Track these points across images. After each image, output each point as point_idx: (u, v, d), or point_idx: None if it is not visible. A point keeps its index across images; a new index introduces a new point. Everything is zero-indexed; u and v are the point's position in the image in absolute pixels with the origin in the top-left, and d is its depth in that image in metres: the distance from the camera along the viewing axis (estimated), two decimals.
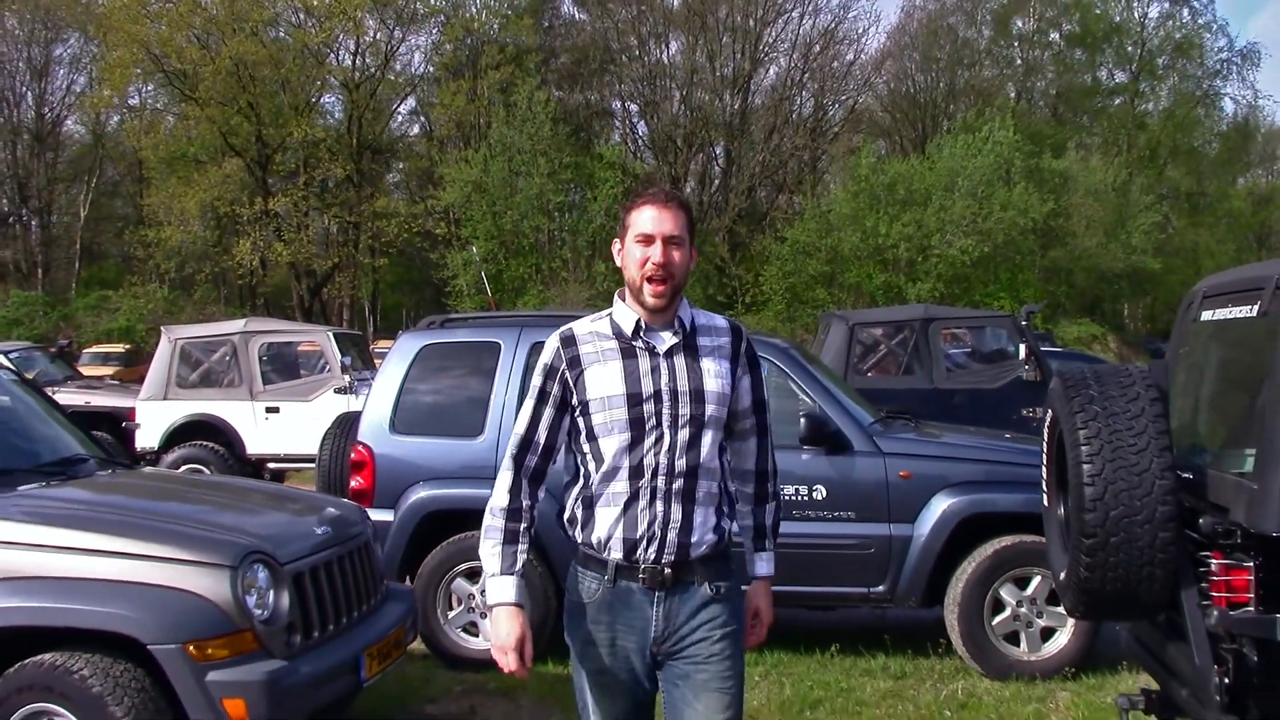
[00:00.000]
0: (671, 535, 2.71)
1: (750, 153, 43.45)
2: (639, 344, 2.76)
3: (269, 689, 3.77)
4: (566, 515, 2.82)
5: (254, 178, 40.79)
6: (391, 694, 5.51)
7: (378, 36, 42.83)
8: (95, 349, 31.59)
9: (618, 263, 2.80)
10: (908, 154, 43.18)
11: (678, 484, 2.71)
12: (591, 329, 2.81)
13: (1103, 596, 3.58)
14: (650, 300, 2.72)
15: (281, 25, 42.40)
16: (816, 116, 45.60)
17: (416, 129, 49.02)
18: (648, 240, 2.72)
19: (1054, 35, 49.91)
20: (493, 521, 2.76)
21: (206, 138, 40.93)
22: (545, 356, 2.81)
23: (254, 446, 11.23)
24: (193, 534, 4.06)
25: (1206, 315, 4.03)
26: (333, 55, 42.99)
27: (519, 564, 2.73)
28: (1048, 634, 5.84)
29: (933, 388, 10.55)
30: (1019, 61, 50.11)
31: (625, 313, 2.79)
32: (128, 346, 33.93)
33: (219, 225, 41.89)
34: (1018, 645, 5.84)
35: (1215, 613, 3.23)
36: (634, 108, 47.34)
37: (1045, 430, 4.04)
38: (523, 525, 2.76)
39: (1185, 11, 48.53)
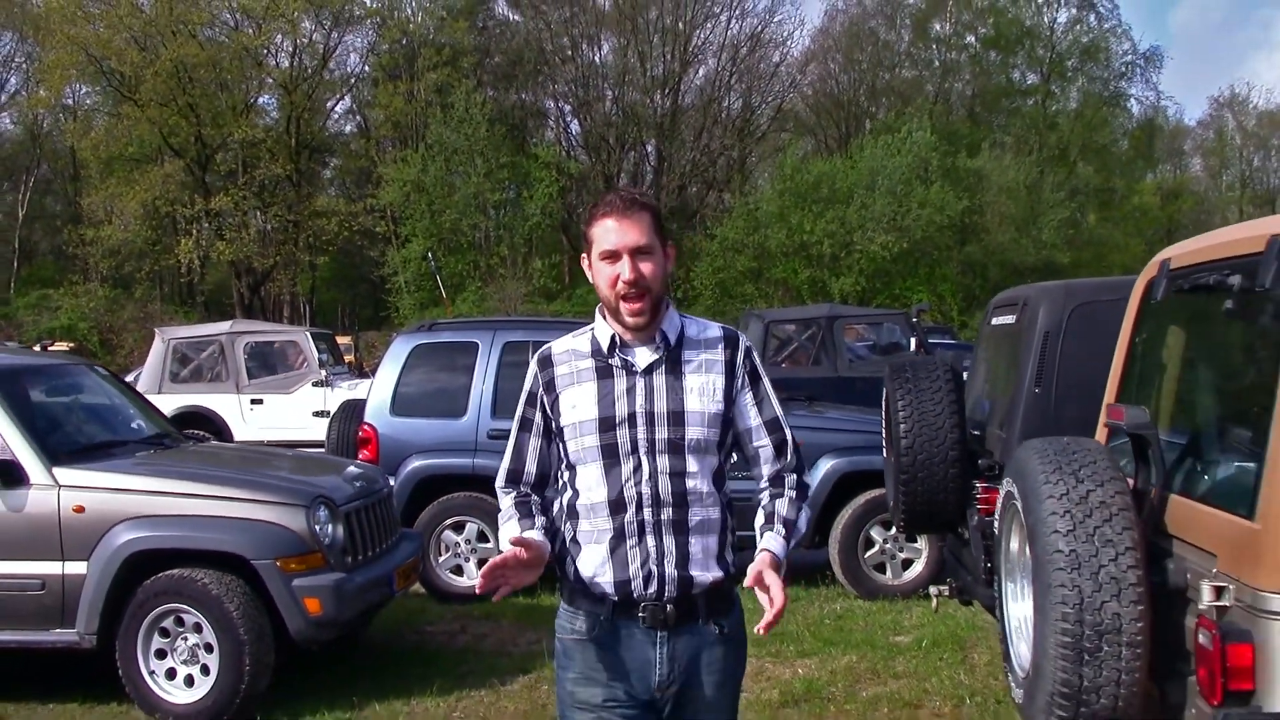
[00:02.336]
0: (669, 569, 2.48)
1: (680, 151, 44.88)
2: (615, 362, 2.54)
3: (335, 591, 5.33)
4: (555, 549, 2.61)
5: (194, 177, 41.47)
6: (399, 619, 7.07)
7: (314, 37, 43.74)
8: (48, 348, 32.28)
9: (590, 279, 2.58)
10: (832, 152, 44.82)
11: (666, 514, 2.48)
12: (570, 346, 2.61)
13: (915, 515, 5.26)
14: (630, 320, 2.49)
15: (219, 27, 43.03)
16: (744, 116, 46.97)
17: (352, 127, 49.77)
18: (613, 257, 2.48)
19: (970, 38, 51.92)
20: (503, 516, 2.64)
21: (146, 138, 41.34)
22: (526, 381, 2.65)
23: (240, 434, 12.65)
24: (274, 483, 5.63)
25: (994, 320, 5.74)
26: (271, 56, 43.78)
27: (538, 524, 2.58)
28: (907, 564, 7.57)
29: (837, 376, 12.25)
30: (936, 64, 52.07)
31: (604, 329, 2.57)
32: (71, 345, 34.62)
33: (159, 224, 42.32)
34: (884, 573, 7.57)
35: (978, 518, 4.90)
36: (567, 107, 48.53)
37: (883, 405, 5.71)
38: (535, 504, 2.62)
39: (1092, 16, 50.84)
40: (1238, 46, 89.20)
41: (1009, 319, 5.37)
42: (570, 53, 46.83)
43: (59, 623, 5.32)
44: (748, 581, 2.44)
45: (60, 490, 5.33)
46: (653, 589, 2.48)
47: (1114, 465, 2.71)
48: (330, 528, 5.49)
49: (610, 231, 2.49)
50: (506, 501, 2.62)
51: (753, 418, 2.59)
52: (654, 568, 2.48)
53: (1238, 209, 62.04)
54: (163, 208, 39.95)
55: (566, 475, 2.59)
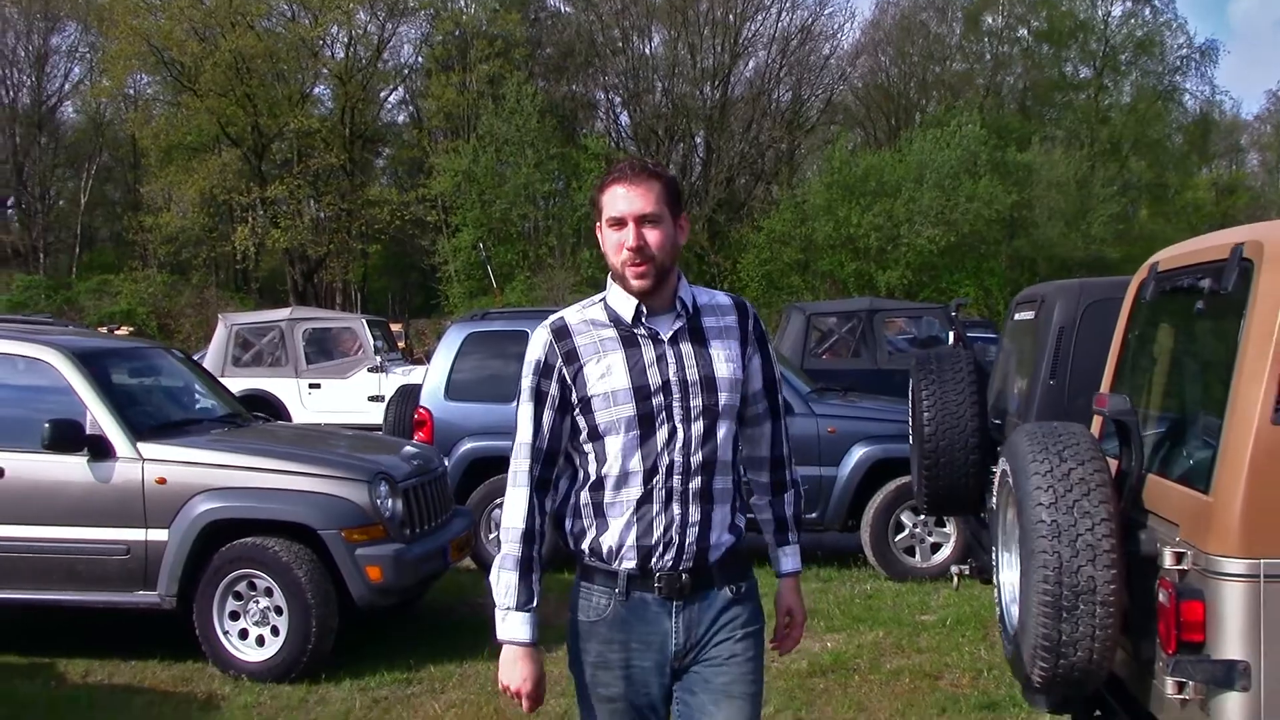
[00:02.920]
0: (690, 538, 2.49)
1: (729, 143, 44.97)
2: (640, 331, 2.52)
3: (395, 560, 5.75)
4: (568, 524, 2.59)
5: (250, 166, 42.29)
6: (453, 591, 7.49)
7: (369, 29, 44.41)
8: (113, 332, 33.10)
9: (602, 248, 2.57)
10: (881, 145, 44.84)
11: (694, 483, 2.49)
12: (585, 317, 2.56)
13: (937, 498, 5.60)
14: (635, 284, 2.48)
15: (276, 18, 43.78)
16: (794, 108, 47.04)
17: (404, 117, 50.39)
18: (619, 223, 2.47)
19: (1022, 31, 51.73)
20: (509, 548, 2.53)
21: (204, 127, 42.13)
22: (535, 352, 2.56)
23: (299, 417, 13.16)
24: (339, 460, 6.07)
25: (1017, 316, 6.05)
26: (326, 47, 44.48)
27: (535, 598, 2.52)
28: (936, 548, 7.89)
29: (876, 368, 12.57)
30: (988, 57, 51.86)
31: (622, 298, 2.54)
32: (131, 329, 35.44)
33: (216, 212, 43.14)
34: (913, 556, 7.89)
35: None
36: (617, 99, 48.87)
37: (910, 395, 6.03)
38: (536, 549, 2.53)
39: (1147, 10, 50.47)
40: None
41: (1029, 315, 5.68)
42: (621, 44, 47.11)
43: (141, 585, 5.78)
44: (784, 617, 2.71)
45: (144, 463, 5.79)
46: (670, 557, 2.49)
47: (1095, 447, 3.04)
48: (390, 502, 5.90)
49: (618, 198, 2.48)
50: (515, 529, 2.52)
51: (757, 382, 2.64)
52: (675, 535, 2.49)
53: None
54: (220, 196, 40.79)
55: (589, 447, 2.53)
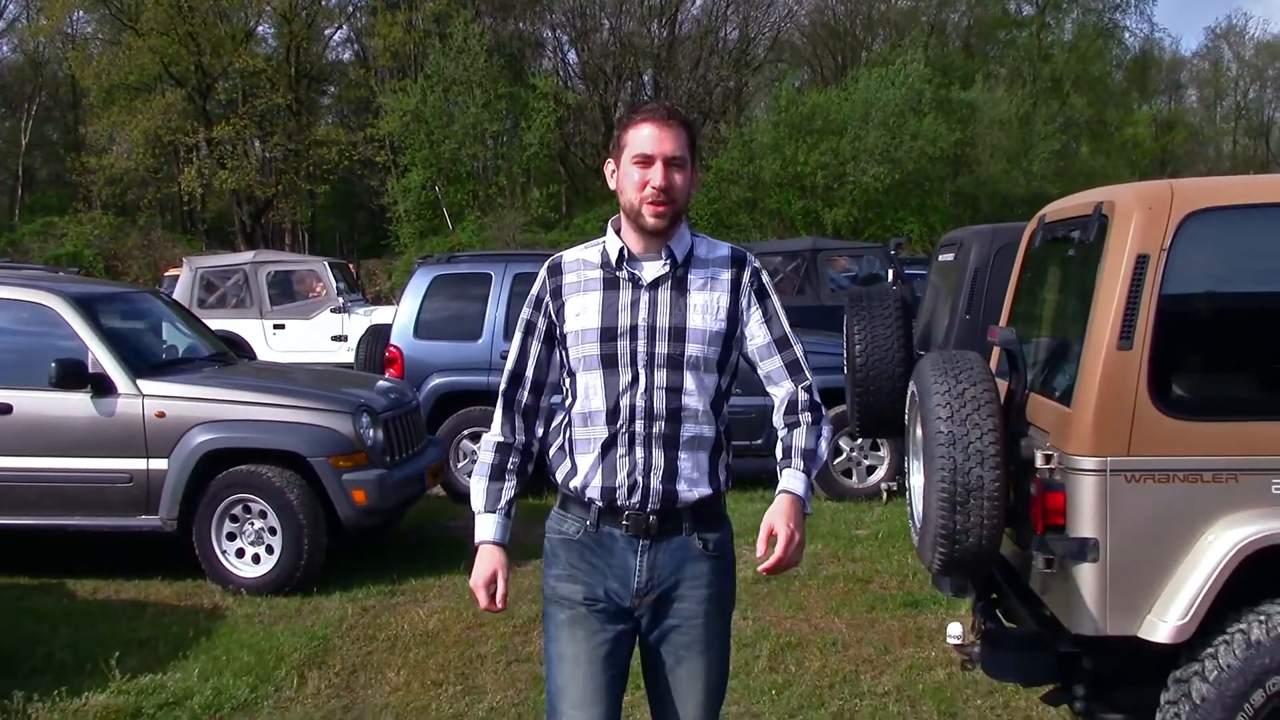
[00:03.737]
0: (655, 482, 2.54)
1: (677, 82, 45.18)
2: (622, 274, 2.58)
3: (378, 484, 6.33)
4: (550, 455, 2.71)
5: (195, 106, 41.95)
6: (425, 516, 8.09)
7: None
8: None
9: (611, 185, 2.61)
10: (828, 83, 45.22)
11: (658, 428, 2.53)
12: (580, 256, 2.66)
13: (868, 422, 6.21)
14: (650, 222, 2.53)
15: None
16: (741, 47, 47.30)
17: (349, 55, 50.02)
18: (647, 161, 2.51)
19: None
20: (482, 456, 2.71)
21: (147, 67, 41.68)
22: (534, 287, 2.69)
23: (264, 357, 13.60)
24: (324, 394, 6.63)
25: (941, 257, 6.68)
26: None
27: (503, 500, 2.64)
28: (870, 470, 8.57)
29: (820, 305, 13.19)
30: None
31: (614, 242, 2.61)
32: (79, 271, 35.26)
33: (161, 153, 42.76)
34: (850, 478, 8.57)
35: None
36: (565, 38, 48.82)
37: (844, 329, 6.65)
38: (511, 460, 2.67)
39: None
40: None
41: (950, 256, 6.32)
42: None
43: (144, 510, 6.33)
44: (760, 538, 2.50)
45: (144, 399, 6.31)
46: (636, 499, 2.54)
47: (985, 371, 3.65)
48: (372, 431, 6.47)
49: (648, 138, 2.52)
50: (491, 441, 2.70)
51: (761, 336, 2.62)
52: (640, 479, 2.53)
53: (1232, 140, 62.67)
54: (165, 136, 40.45)
55: (567, 381, 2.65)
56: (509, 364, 2.71)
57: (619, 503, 2.56)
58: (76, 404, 6.28)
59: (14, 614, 5.88)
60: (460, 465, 8.66)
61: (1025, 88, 46.68)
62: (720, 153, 39.22)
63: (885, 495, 6.46)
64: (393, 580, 6.52)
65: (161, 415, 6.28)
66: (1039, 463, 3.36)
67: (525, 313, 2.70)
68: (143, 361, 6.60)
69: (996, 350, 4.31)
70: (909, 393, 4.08)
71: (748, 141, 38.59)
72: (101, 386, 6.27)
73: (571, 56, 48.98)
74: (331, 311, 13.69)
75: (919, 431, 3.96)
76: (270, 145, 42.81)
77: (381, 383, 7.45)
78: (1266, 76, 63.10)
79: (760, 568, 2.51)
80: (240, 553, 6.36)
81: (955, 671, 4.92)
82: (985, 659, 3.64)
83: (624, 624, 2.62)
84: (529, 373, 2.68)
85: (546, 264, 2.70)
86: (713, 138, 44.94)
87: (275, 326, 13.61)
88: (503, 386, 2.71)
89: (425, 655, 5.28)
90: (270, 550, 6.31)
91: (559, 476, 2.66)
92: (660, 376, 2.54)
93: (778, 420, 2.67)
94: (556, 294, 2.64)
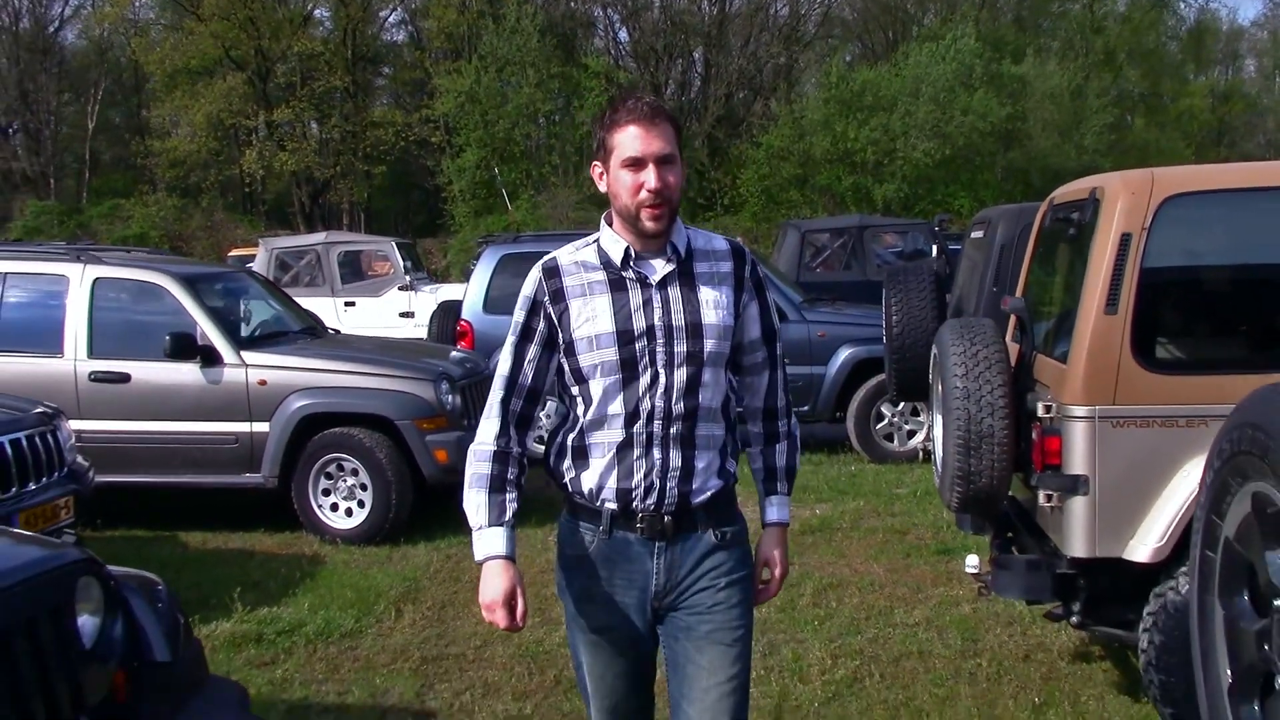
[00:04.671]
0: (671, 484, 2.50)
1: (728, 59, 45.29)
2: (629, 275, 2.51)
3: (458, 445, 6.95)
4: (554, 463, 2.62)
5: (255, 89, 42.94)
6: None
7: None
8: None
9: (600, 188, 2.54)
10: (879, 58, 45.26)
11: (675, 428, 2.49)
12: (576, 258, 2.57)
13: (904, 387, 6.78)
14: (650, 226, 2.46)
15: None
16: (791, 23, 47.36)
17: (404, 36, 50.70)
18: (637, 164, 2.44)
19: None
20: (477, 468, 2.59)
21: (208, 51, 42.64)
22: (526, 289, 2.59)
23: None
24: (408, 363, 7.29)
25: (973, 235, 7.20)
26: None
27: (508, 513, 2.55)
28: (911, 434, 9.13)
29: (865, 280, 13.71)
30: None
31: (613, 240, 2.53)
32: (148, 251, 36.09)
33: (223, 136, 43.67)
34: (892, 442, 9.13)
35: None
36: (615, 16, 49.16)
37: (883, 302, 7.20)
38: (510, 471, 2.58)
39: None
40: None
41: (980, 234, 6.85)
42: None
43: (248, 468, 7.03)
44: (761, 568, 2.66)
45: (247, 368, 7.00)
46: (652, 500, 2.50)
47: (997, 334, 4.20)
48: (451, 397, 7.12)
49: (635, 139, 2.43)
50: (483, 452, 2.61)
51: (754, 330, 2.62)
52: (656, 480, 2.49)
53: None
54: (226, 120, 41.43)
55: (575, 389, 2.55)
56: (503, 370, 2.60)
57: (634, 505, 2.51)
58: (187, 373, 6.99)
59: (136, 562, 6.48)
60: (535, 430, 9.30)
61: (1077, 61, 46.36)
62: (771, 130, 39.51)
63: (923, 456, 7.02)
64: (470, 533, 7.17)
65: (263, 383, 6.97)
66: (1040, 412, 3.93)
67: (520, 317, 2.59)
68: (244, 335, 7.28)
69: (1013, 317, 4.86)
70: (932, 354, 4.64)
71: (798, 118, 38.76)
72: (209, 357, 6.97)
73: (623, 35, 49.27)
74: (399, 289, 14.40)
75: (940, 388, 4.53)
76: (328, 127, 43.60)
77: (454, 353, 8.11)
78: None
79: (756, 601, 2.64)
80: (334, 507, 7.06)
81: (980, 606, 5.50)
82: (995, 582, 4.22)
83: (648, 639, 2.61)
84: (528, 380, 2.59)
85: (540, 266, 2.60)
86: (763, 114, 45.24)
87: (346, 304, 14.33)
88: (498, 394, 2.61)
89: None
90: (362, 505, 7.00)
91: (569, 483, 2.58)
92: (680, 375, 2.49)
93: (754, 424, 2.69)
94: (558, 297, 2.54)
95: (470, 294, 9.53)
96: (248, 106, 42.09)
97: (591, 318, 2.51)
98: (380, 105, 47.01)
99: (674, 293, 2.52)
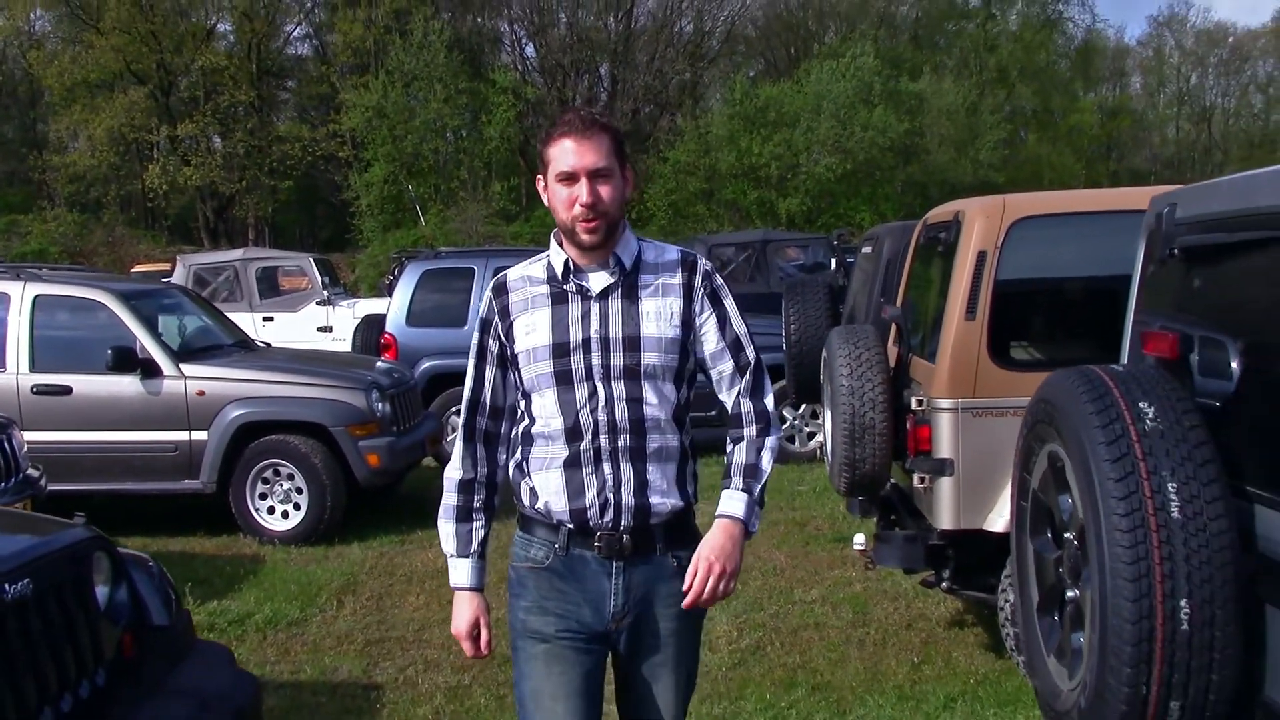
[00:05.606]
0: (626, 498, 2.46)
1: (634, 75, 45.91)
2: (570, 287, 2.50)
3: (388, 449, 7.43)
4: (511, 475, 2.61)
5: (157, 104, 42.55)
6: (422, 483, 9.17)
7: None
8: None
9: (545, 201, 2.53)
10: (781, 74, 46.31)
11: (623, 441, 2.45)
12: (525, 273, 2.57)
13: (802, 388, 7.39)
14: (585, 239, 2.45)
15: None
16: (696, 40, 48.23)
17: (306, 48, 50.43)
18: (570, 178, 2.43)
19: None
20: (447, 498, 2.61)
21: (109, 65, 42.12)
22: (481, 309, 2.62)
23: None
24: (339, 373, 7.71)
25: (864, 249, 7.85)
26: None
27: (474, 543, 2.57)
28: (810, 435, 9.78)
29: (769, 292, 14.39)
30: None
31: (558, 254, 2.53)
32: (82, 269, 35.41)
33: (125, 150, 43.12)
34: (793, 443, 9.77)
35: None
36: (522, 32, 49.58)
37: (783, 313, 7.81)
38: (477, 499, 2.59)
39: None
40: None
41: (870, 249, 7.49)
42: None
43: (188, 475, 7.40)
44: (689, 570, 2.42)
45: (185, 380, 7.37)
46: (609, 517, 2.46)
47: (877, 339, 4.82)
48: (381, 405, 7.57)
49: (568, 153, 2.42)
50: (454, 481, 2.60)
51: (714, 342, 2.55)
52: (610, 495, 2.45)
53: (1175, 125, 64.32)
54: (128, 134, 40.98)
55: (523, 403, 2.55)
56: (466, 392, 2.62)
57: (590, 524, 2.47)
58: (128, 385, 7.33)
59: None
60: (450, 436, 9.75)
61: (972, 78, 47.88)
62: (677, 145, 40.24)
63: (818, 452, 7.61)
64: (401, 532, 7.63)
65: (201, 394, 7.35)
66: (913, 405, 4.54)
67: (475, 337, 2.61)
68: (182, 348, 7.66)
69: (893, 324, 5.48)
70: (823, 358, 5.24)
71: (704, 134, 39.54)
72: (149, 370, 7.33)
73: (530, 50, 49.68)
74: (317, 304, 14.73)
75: (829, 388, 5.13)
76: (233, 141, 43.22)
77: (380, 364, 8.56)
78: (1208, 63, 64.50)
79: (684, 604, 2.44)
80: (271, 510, 7.45)
81: (870, 584, 6.12)
82: (878, 554, 4.84)
83: (599, 651, 2.56)
84: (486, 398, 2.60)
85: (492, 284, 2.62)
86: (669, 130, 45.94)
87: (264, 319, 14.60)
88: (462, 416, 2.63)
89: (438, 585, 6.39)
90: (298, 507, 7.41)
91: (522, 498, 2.57)
92: (618, 388, 2.45)
93: (731, 429, 2.62)
94: (505, 314, 2.55)
95: (393, 308, 9.98)
96: (150, 121, 41.69)
97: (531, 330, 2.51)
98: (286, 119, 46.76)
99: (614, 305, 2.49)
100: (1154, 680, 2.23)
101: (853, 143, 37.74)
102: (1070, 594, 2.76)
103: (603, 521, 2.47)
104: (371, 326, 11.36)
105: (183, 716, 3.06)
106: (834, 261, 14.73)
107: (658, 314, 2.50)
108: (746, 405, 2.60)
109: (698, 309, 2.54)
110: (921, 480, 4.49)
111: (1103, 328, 4.40)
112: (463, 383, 2.65)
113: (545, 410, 2.50)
